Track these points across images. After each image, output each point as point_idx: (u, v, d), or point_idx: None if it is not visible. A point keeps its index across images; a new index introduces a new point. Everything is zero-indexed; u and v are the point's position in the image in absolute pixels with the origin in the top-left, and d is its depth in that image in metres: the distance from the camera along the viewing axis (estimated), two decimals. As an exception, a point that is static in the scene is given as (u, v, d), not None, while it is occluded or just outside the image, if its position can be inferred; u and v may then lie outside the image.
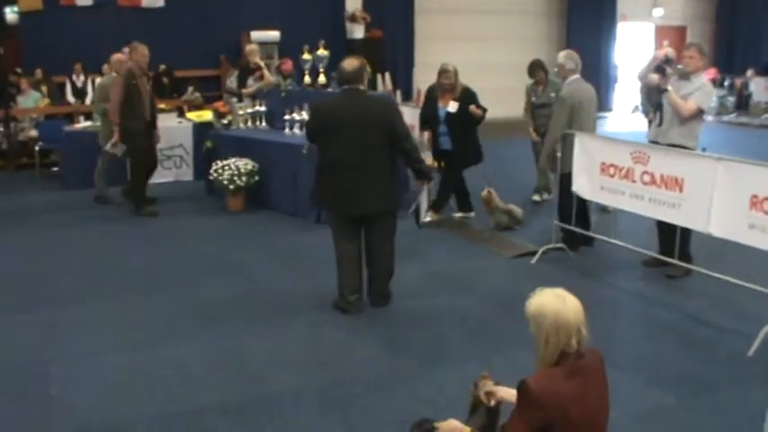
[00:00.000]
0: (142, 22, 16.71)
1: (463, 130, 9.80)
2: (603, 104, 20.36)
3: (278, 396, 5.37)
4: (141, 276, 8.08)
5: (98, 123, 12.00)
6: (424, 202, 8.52)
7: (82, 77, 15.82)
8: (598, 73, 20.68)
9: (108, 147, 10.79)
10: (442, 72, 9.81)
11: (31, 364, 5.97)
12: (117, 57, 11.30)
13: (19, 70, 15.50)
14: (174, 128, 13.10)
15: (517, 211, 9.82)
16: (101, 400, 5.35)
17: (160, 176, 12.33)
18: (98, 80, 11.46)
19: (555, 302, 3.15)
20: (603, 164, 7.71)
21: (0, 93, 14.74)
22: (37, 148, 14.02)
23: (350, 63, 6.75)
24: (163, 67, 16.38)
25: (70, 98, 15.71)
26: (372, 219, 6.75)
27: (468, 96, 9.76)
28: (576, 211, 8.25)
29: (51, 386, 5.60)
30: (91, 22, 16.51)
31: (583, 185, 8.02)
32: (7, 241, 9.58)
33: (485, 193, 9.75)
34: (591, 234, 8.49)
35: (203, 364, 5.93)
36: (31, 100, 14.89)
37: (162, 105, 13.90)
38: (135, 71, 10.42)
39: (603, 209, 9.71)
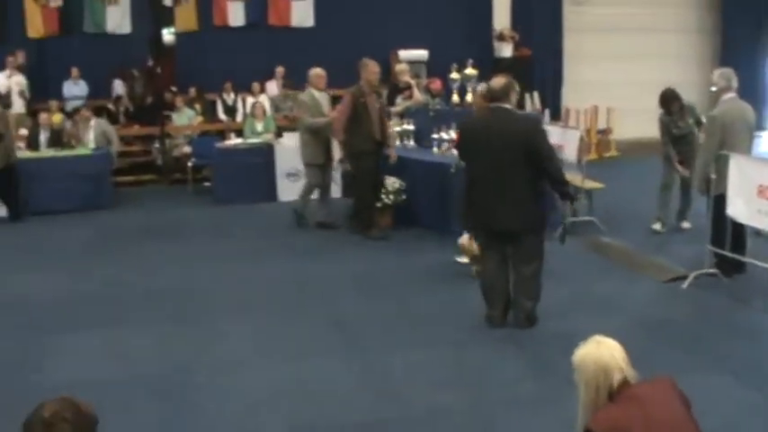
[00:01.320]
0: (292, 41, 17.22)
1: None
2: (761, 123, 19.68)
3: (421, 415, 5.41)
4: (288, 291, 8.30)
5: (264, 138, 12.39)
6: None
7: (232, 95, 16.43)
8: (756, 91, 20.00)
9: (335, 164, 11.07)
10: None
11: (179, 374, 6.24)
12: (316, 72, 11.18)
13: (174, 89, 16.23)
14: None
15: None
16: (243, 412, 5.53)
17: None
18: (300, 96, 11.46)
19: (592, 350, 3.34)
20: (761, 186, 7.47)
21: (156, 110, 15.49)
22: (190, 163, 14.62)
23: (497, 81, 6.82)
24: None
25: (222, 116, 16.34)
26: (516, 238, 6.76)
27: None
28: (731, 235, 8.03)
29: (197, 396, 5.83)
30: (242, 41, 17.12)
31: (738, 209, 7.77)
32: (160, 253, 10.04)
33: (464, 239, 8.50)
34: (746, 259, 8.23)
35: (347, 380, 6.03)
36: (185, 117, 15.57)
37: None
38: (364, 88, 10.27)
39: (757, 232, 9.39)
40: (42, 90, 16.07)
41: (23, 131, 14.48)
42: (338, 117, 10.37)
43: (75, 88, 16.24)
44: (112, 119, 15.22)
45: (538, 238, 6.87)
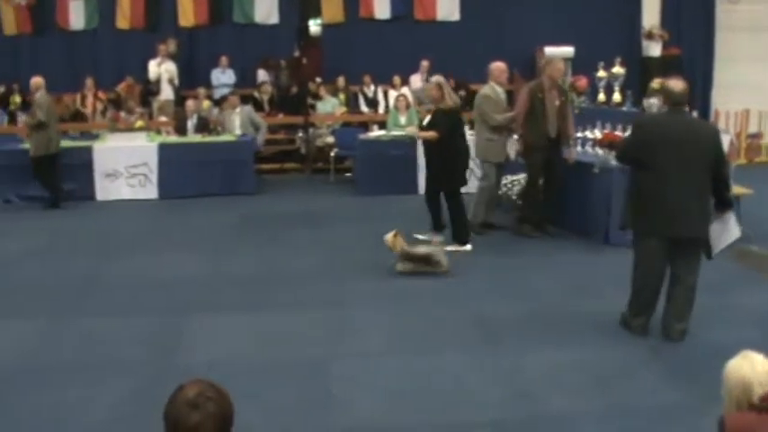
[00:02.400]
0: (436, 35, 17.24)
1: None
2: None
3: (554, 418, 5.34)
4: (426, 284, 8.26)
5: (407, 131, 12.45)
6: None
7: (372, 88, 16.55)
8: None
9: (512, 155, 10.63)
10: None
11: (313, 361, 6.32)
12: (498, 66, 10.64)
13: (319, 79, 16.46)
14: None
15: (439, 256, 8.65)
16: (377, 403, 5.55)
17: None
18: (482, 90, 10.61)
19: (736, 364, 3.34)
20: None
21: (300, 100, 15.75)
22: (332, 153, 14.81)
23: (676, 84, 6.57)
24: (452, 81, 16.73)
25: (363, 108, 16.48)
26: (686, 245, 6.54)
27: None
28: None
29: (332, 384, 5.89)
30: (387, 34, 17.24)
31: None
32: (298, 240, 10.21)
33: (389, 236, 8.60)
34: None
35: (480, 377, 5.99)
36: (329, 106, 15.78)
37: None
38: (544, 84, 10.01)
39: None
40: (191, 78, 16.59)
41: (163, 118, 15.01)
42: (517, 111, 10.18)
43: (223, 76, 16.66)
44: (257, 107, 15.52)
45: (703, 246, 6.66)
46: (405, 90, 15.97)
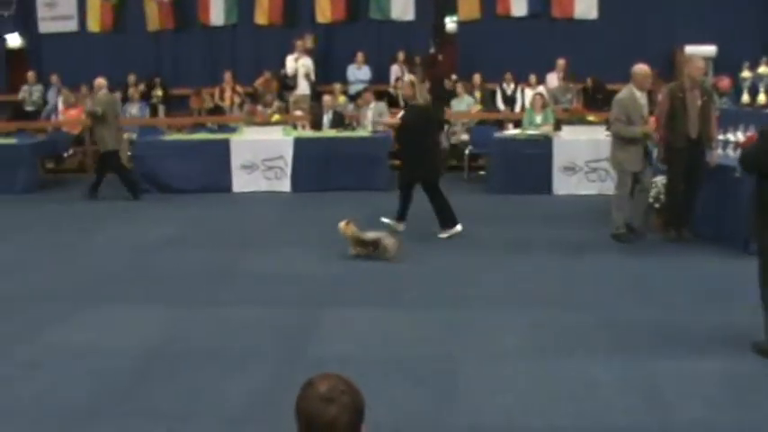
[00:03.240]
0: (573, 33, 17.01)
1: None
2: None
3: (686, 428, 5.15)
4: (557, 286, 8.12)
5: (543, 130, 12.35)
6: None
7: (512, 86, 16.42)
8: None
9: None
10: None
11: (439, 358, 6.26)
12: (642, 70, 9.86)
13: (454, 76, 16.44)
14: (602, 141, 13.11)
15: (386, 242, 9.11)
16: (505, 403, 5.46)
17: (585, 188, 12.58)
18: (618, 95, 10.05)
19: None
20: None
21: (435, 97, 15.74)
22: (467, 151, 14.76)
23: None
24: (589, 80, 16.49)
25: (500, 105, 16.37)
26: None
27: None
28: None
29: (459, 381, 5.84)
30: (524, 32, 17.09)
31: None
32: (435, 238, 10.13)
33: (342, 224, 9.34)
34: None
35: (611, 383, 5.82)
36: (464, 104, 15.73)
37: (591, 118, 14.08)
38: (685, 84, 9.64)
39: None
40: (327, 73, 16.82)
41: (299, 113, 15.25)
42: (658, 114, 9.85)
43: (358, 72, 16.85)
44: (392, 104, 15.60)
45: None
46: (541, 89, 15.78)
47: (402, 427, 5.03)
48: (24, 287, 8.64)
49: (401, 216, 10.43)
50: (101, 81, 13.73)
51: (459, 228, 10.22)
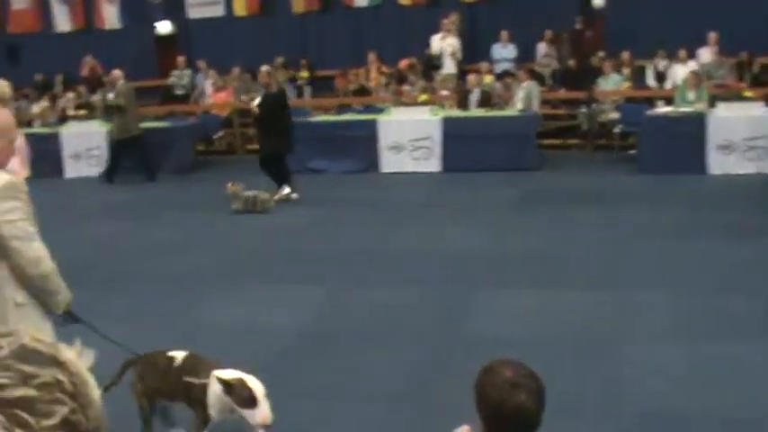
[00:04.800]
0: (725, 5, 16.38)
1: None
2: None
3: None
4: (708, 269, 8.01)
5: (696, 108, 12.13)
6: None
7: (664, 62, 16.13)
8: None
9: None
10: None
11: (603, 342, 6.29)
12: None
13: (601, 53, 16.27)
14: (761, 117, 12.80)
15: (262, 197, 11.59)
16: (664, 389, 5.45)
17: (742, 167, 12.36)
18: None
19: None
20: None
21: (582, 74, 15.67)
22: (616, 130, 14.65)
23: None
24: (745, 54, 16.00)
25: (651, 82, 16.12)
26: None
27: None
28: None
29: (624, 367, 5.86)
30: (674, 6, 16.59)
31: None
32: (580, 219, 10.15)
33: (230, 185, 11.54)
34: None
35: (763, 369, 5.74)
36: (611, 82, 15.57)
37: (748, 94, 13.76)
38: None
39: None
40: (473, 52, 16.89)
41: (445, 92, 15.38)
42: None
43: (504, 51, 16.86)
44: (539, 82, 15.57)
45: None
46: (692, 64, 15.45)
47: (569, 411, 5.00)
48: (181, 266, 9.11)
49: (281, 183, 12.32)
50: (117, 72, 14.75)
51: (286, 191, 12.28)
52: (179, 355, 4.48)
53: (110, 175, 14.83)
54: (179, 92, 18.52)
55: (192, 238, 10.44)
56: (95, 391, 1.06)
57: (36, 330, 3.85)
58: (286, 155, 12.45)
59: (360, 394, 5.63)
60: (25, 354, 1.00)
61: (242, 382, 4.02)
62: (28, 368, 0.97)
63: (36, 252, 3.99)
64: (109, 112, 15.07)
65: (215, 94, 17.76)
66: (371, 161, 14.00)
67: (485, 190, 12.05)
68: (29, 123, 16.93)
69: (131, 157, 14.75)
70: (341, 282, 8.18)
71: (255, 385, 4.00)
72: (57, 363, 1.01)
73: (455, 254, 8.89)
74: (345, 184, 13.16)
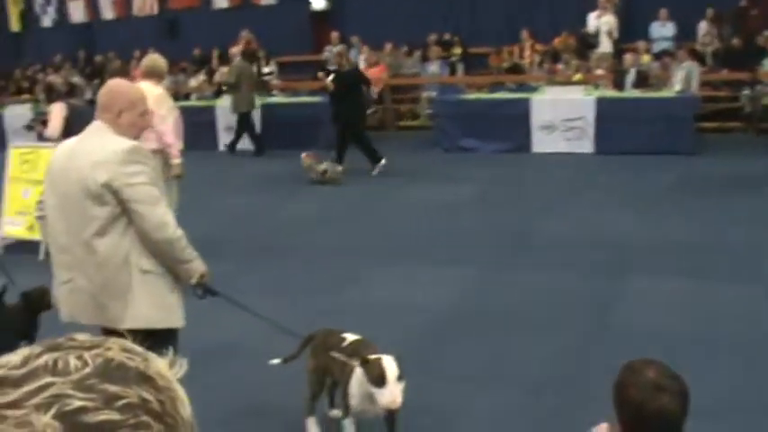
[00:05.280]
0: None
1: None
2: None
3: None
4: None
5: None
6: None
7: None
8: None
9: None
10: None
11: (760, 341, 5.96)
12: None
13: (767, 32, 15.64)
14: None
15: (333, 170, 12.39)
16: None
17: None
18: None
19: None
20: None
21: (746, 55, 15.09)
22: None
23: None
24: None
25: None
26: None
27: None
28: None
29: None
30: None
31: None
32: (738, 207, 9.76)
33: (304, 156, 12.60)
34: None
35: None
36: (778, 64, 14.96)
37: None
38: None
39: None
40: (629, 30, 16.48)
41: (601, 71, 15.07)
42: None
43: (662, 29, 16.40)
44: (700, 62, 15.08)
45: None
46: None
47: (720, 416, 4.76)
48: (330, 240, 9.27)
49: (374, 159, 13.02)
50: (234, 50, 15.79)
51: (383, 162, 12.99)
52: (350, 337, 4.54)
53: (257, 148, 15.60)
54: (332, 67, 18.72)
55: (338, 213, 10.63)
56: (186, 409, 0.96)
57: (159, 300, 4.08)
58: (360, 129, 13.18)
59: (503, 380, 5.59)
60: (110, 370, 0.89)
61: (377, 360, 4.04)
62: (112, 388, 0.87)
63: (160, 217, 3.99)
64: (220, 89, 16.10)
65: (368, 69, 17.90)
66: (523, 141, 13.89)
67: (639, 173, 11.77)
68: (186, 96, 17.53)
69: (276, 131, 15.54)
70: (490, 264, 8.14)
71: (389, 365, 4.00)
72: (144, 378, 0.91)
73: (607, 239, 8.72)
74: (496, 164, 13.09)
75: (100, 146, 3.99)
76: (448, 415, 5.11)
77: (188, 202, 8.25)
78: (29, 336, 5.57)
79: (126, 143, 4.02)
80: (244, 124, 15.48)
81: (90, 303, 4.08)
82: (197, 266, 4.20)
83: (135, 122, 4.18)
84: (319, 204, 11.14)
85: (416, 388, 5.37)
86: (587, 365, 5.66)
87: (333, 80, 13.12)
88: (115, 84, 4.34)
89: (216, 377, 5.52)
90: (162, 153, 8.27)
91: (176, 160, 8.37)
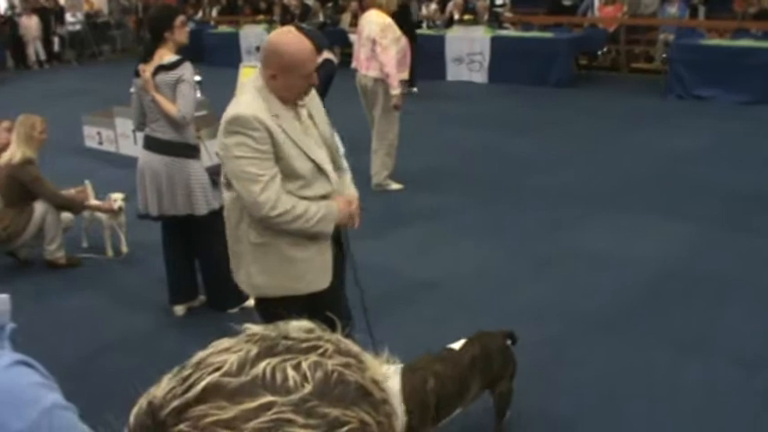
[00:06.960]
0: None
1: None
2: None
3: None
4: None
5: None
6: None
7: None
8: None
9: None
10: None
11: None
12: None
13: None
14: None
15: None
16: None
17: None
18: None
19: None
20: None
21: None
22: None
23: None
24: None
25: None
26: None
27: None
28: None
29: None
30: None
31: None
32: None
33: None
34: None
35: None
36: None
37: None
38: None
39: None
40: None
41: None
42: None
43: None
44: None
45: None
46: None
47: None
48: (549, 183, 9.09)
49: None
50: None
51: None
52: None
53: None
54: (567, 2, 18.34)
55: (564, 154, 10.38)
56: (399, 423, 0.85)
57: (269, 268, 3.83)
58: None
59: (717, 352, 5.19)
60: (330, 387, 0.78)
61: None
62: (334, 411, 0.76)
63: (252, 197, 3.64)
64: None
65: (603, 8, 17.41)
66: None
67: None
68: (418, 24, 17.62)
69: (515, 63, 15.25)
70: (717, 222, 7.62)
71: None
72: (363, 393, 0.80)
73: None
74: (734, 116, 12.21)
75: (230, 105, 3.74)
76: (653, 379, 4.89)
77: (413, 134, 8.34)
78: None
79: (232, 111, 3.66)
80: None
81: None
82: (322, 228, 3.84)
83: (293, 85, 3.70)
84: (547, 145, 10.89)
85: (624, 343, 5.34)
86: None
87: None
88: (275, 40, 3.76)
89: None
90: (383, 82, 8.58)
91: (395, 91, 8.56)
